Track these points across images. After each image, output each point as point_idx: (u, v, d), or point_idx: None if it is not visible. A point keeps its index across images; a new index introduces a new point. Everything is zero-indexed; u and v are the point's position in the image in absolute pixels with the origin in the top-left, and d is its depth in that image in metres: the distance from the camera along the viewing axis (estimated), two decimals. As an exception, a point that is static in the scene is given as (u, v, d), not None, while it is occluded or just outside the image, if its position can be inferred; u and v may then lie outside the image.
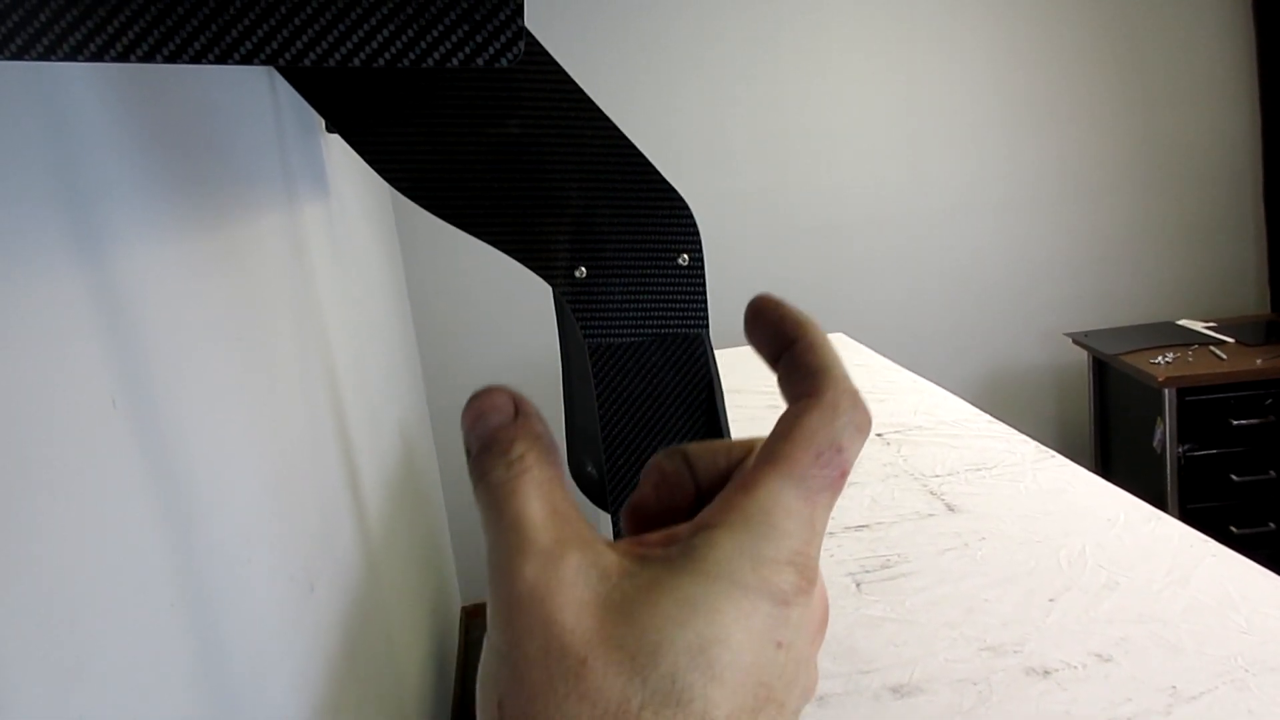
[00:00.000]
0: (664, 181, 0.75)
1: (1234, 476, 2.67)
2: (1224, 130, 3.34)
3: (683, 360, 0.79)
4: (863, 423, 0.29)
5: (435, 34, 0.37)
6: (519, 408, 0.30)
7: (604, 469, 0.80)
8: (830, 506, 0.28)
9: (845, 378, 0.29)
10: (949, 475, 1.45)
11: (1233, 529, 2.65)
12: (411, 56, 0.37)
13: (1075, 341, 3.13)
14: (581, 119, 0.70)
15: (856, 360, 2.23)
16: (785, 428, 0.29)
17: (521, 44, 0.38)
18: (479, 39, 0.37)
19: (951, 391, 1.94)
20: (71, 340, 0.74)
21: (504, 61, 0.38)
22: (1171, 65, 3.28)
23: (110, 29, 0.36)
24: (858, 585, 1.14)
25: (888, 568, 1.18)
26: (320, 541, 1.44)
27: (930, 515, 1.31)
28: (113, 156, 0.87)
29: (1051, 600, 1.06)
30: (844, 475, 0.28)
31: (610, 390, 0.78)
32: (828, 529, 1.10)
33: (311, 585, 1.34)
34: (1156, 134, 3.33)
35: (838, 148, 3.24)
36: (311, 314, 1.61)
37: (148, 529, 0.83)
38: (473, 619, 3.31)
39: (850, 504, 1.39)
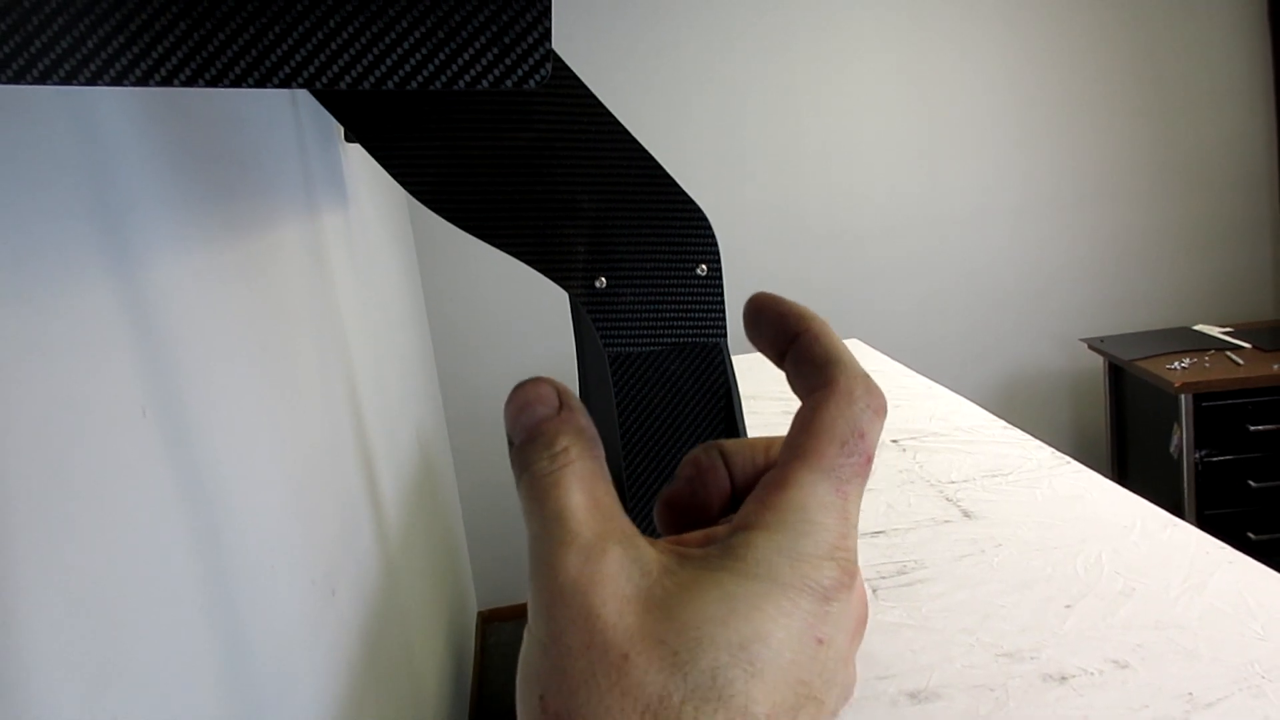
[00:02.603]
0: (682, 193, 0.76)
1: (1251, 482, 2.66)
2: (1239, 135, 3.34)
3: (701, 369, 0.80)
4: (879, 406, 0.29)
5: (465, 57, 0.38)
6: (563, 400, 0.30)
7: (622, 476, 0.81)
8: (860, 494, 0.29)
9: (854, 363, 0.30)
10: (965, 481, 1.45)
11: (1250, 535, 2.64)
12: (443, 79, 0.38)
13: (1091, 347, 3.13)
14: (600, 131, 0.72)
15: (871, 366, 2.23)
16: (805, 421, 0.29)
17: (549, 66, 0.39)
18: (508, 62, 0.39)
19: (967, 397, 1.94)
20: (104, 350, 0.76)
21: (532, 83, 0.39)
22: (1187, 71, 3.28)
23: (154, 55, 0.37)
24: (874, 591, 1.15)
25: (904, 574, 1.18)
26: (341, 546, 1.45)
27: (946, 521, 1.32)
28: (142, 168, 0.89)
29: (1068, 606, 1.06)
30: (869, 461, 0.29)
31: (630, 399, 0.80)
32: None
33: (333, 590, 1.35)
34: (1172, 139, 3.32)
35: (852, 154, 3.25)
36: (331, 322, 1.63)
37: (176, 535, 0.84)
38: (489, 624, 3.32)
39: (866, 510, 1.39)
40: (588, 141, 0.71)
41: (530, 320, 3.16)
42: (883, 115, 3.25)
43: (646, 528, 0.82)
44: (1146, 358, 2.84)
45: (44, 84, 0.38)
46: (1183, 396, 2.60)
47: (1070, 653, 0.97)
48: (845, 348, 0.30)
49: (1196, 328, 3.13)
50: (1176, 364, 2.74)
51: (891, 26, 3.19)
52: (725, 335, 0.76)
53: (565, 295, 0.75)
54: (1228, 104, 3.32)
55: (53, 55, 0.37)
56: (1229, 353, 2.80)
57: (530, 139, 0.70)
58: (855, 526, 0.29)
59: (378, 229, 2.41)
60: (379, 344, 2.11)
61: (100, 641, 0.67)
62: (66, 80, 0.38)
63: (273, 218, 1.36)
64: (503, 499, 3.29)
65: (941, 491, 1.42)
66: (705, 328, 0.78)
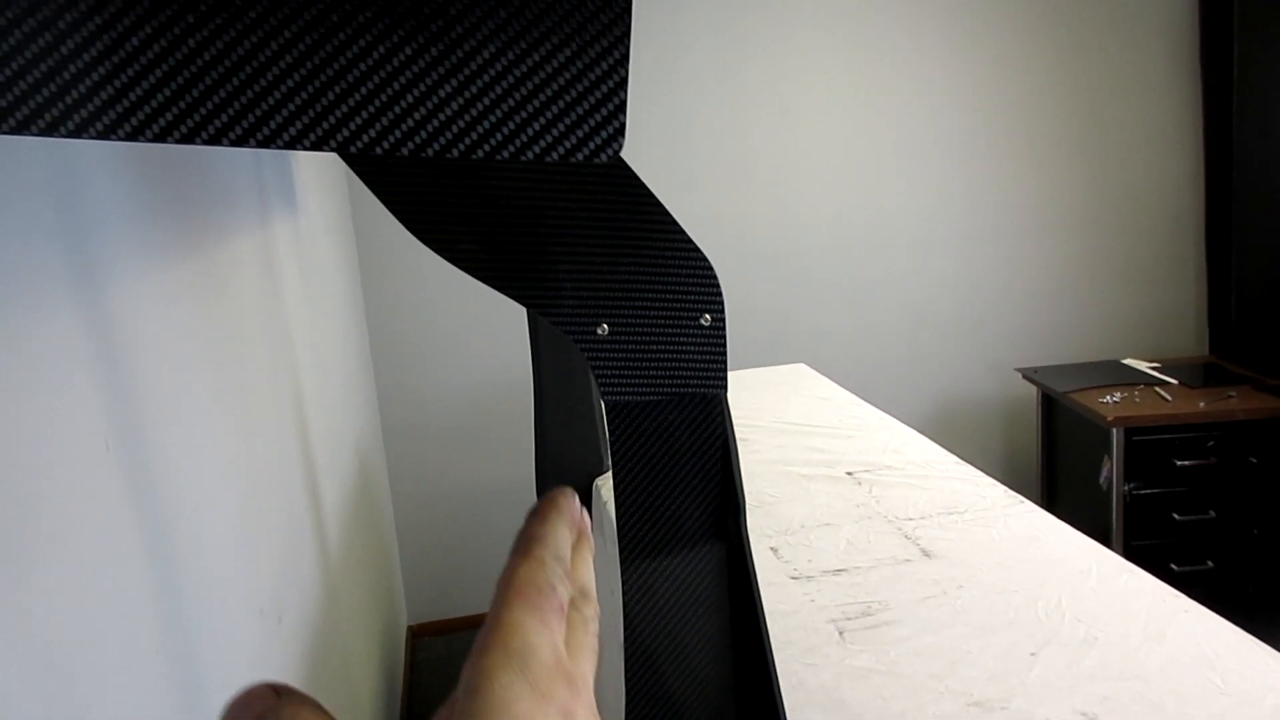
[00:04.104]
0: (689, 241, 0.75)
1: (1176, 515, 2.74)
2: (1169, 176, 3.45)
3: (700, 420, 0.79)
4: (563, 574, 0.35)
5: (536, 128, 0.36)
6: (279, 690, 0.32)
7: (618, 526, 0.79)
8: (562, 633, 0.33)
9: (553, 542, 0.37)
10: (921, 519, 1.46)
11: (1173, 566, 2.72)
12: (510, 150, 0.36)
13: (1026, 377, 3.20)
14: (607, 174, 0.70)
15: (821, 394, 2.25)
16: (506, 579, 0.34)
17: (622, 139, 0.37)
18: (580, 133, 0.36)
19: (902, 420, 1.96)
20: (68, 381, 0.71)
21: (603, 157, 0.37)
22: (1123, 112, 3.38)
23: (201, 112, 0.34)
24: (840, 633, 1.15)
25: (869, 615, 1.18)
26: (286, 571, 1.40)
27: (907, 560, 1.32)
28: (106, 177, 0.85)
29: (1033, 654, 1.07)
30: (563, 609, 0.34)
31: (626, 448, 0.78)
32: (806, 573, 1.09)
33: (279, 617, 1.30)
34: (1105, 177, 3.42)
35: (798, 178, 3.28)
36: (281, 337, 1.57)
37: (134, 573, 0.80)
38: (418, 638, 3.26)
39: (826, 545, 1.39)
40: (594, 184, 0.69)
41: (473, 331, 3.11)
42: (830, 141, 3.28)
43: (644, 581, 0.80)
44: (1079, 390, 2.92)
45: (79, 137, 0.35)
46: (1115, 430, 2.67)
47: (1039, 703, 0.98)
48: (555, 535, 0.37)
49: (1125, 361, 3.22)
50: (1109, 397, 2.81)
51: (841, 55, 3.23)
52: (725, 387, 0.75)
53: (509, 307, 0.73)
54: (1159, 145, 3.43)
55: (89, 109, 0.34)
56: (1157, 388, 2.89)
57: (535, 180, 0.67)
58: (570, 656, 0.33)
59: (324, 238, 2.34)
60: (324, 358, 2.05)
61: (65, 687, 0.63)
62: (47, 132, 0.35)
63: (229, 229, 1.31)
64: (437, 511, 3.23)
65: (900, 529, 1.43)
66: (706, 379, 0.76)
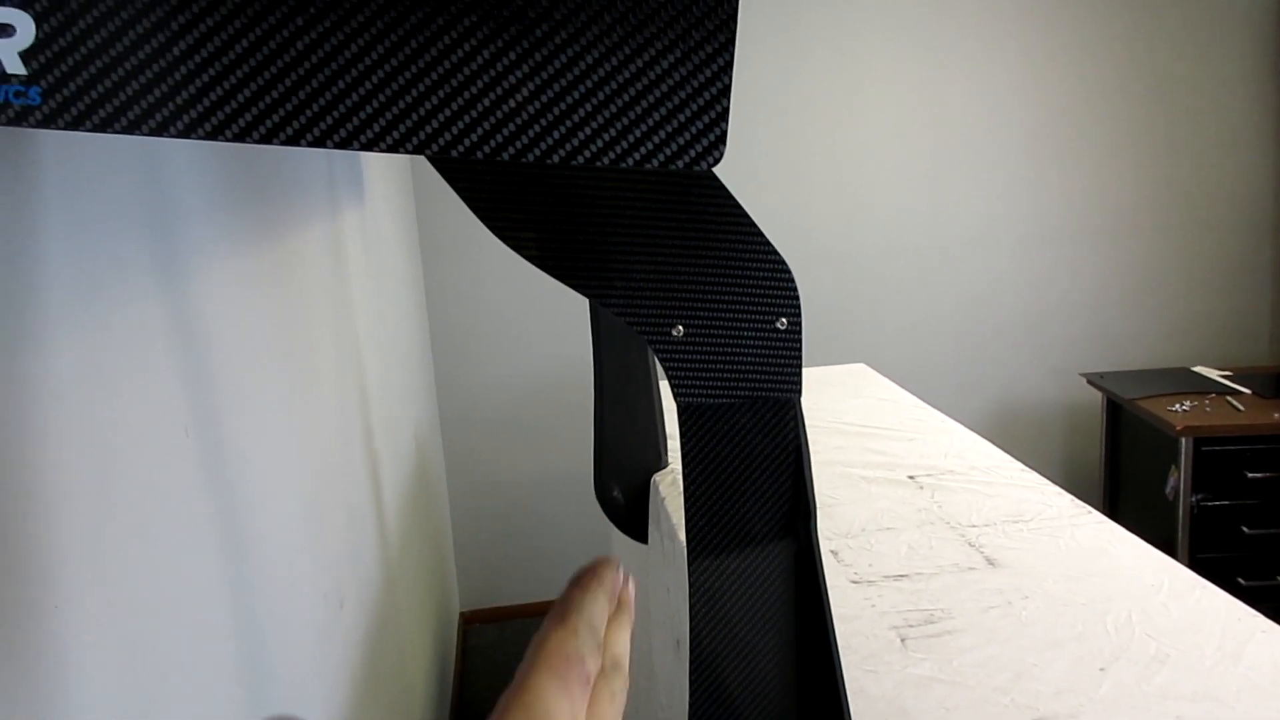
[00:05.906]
0: (768, 243, 0.74)
1: (1245, 528, 2.67)
2: (1246, 178, 3.35)
3: (773, 424, 0.78)
4: (596, 644, 0.37)
5: (637, 134, 0.36)
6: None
7: (686, 529, 0.78)
8: (585, 702, 0.35)
9: (590, 613, 0.38)
10: (986, 526, 1.43)
11: (1240, 580, 2.65)
12: (610, 156, 0.36)
13: (1091, 382, 3.13)
14: (690, 180, 0.69)
15: (881, 394, 2.22)
16: (540, 641, 0.36)
17: (723, 149, 0.36)
18: (682, 141, 0.36)
19: (961, 423, 1.93)
20: (155, 368, 0.73)
21: (704, 165, 0.37)
22: (1198, 113, 3.29)
23: (306, 116, 0.35)
24: (903, 640, 1.13)
25: (932, 623, 1.17)
26: (348, 557, 1.42)
27: (971, 568, 1.30)
28: (190, 171, 0.86)
29: (1102, 669, 1.04)
30: (589, 681, 0.36)
31: (697, 449, 0.77)
32: (867, 578, 1.08)
33: (341, 602, 1.32)
34: (1178, 179, 3.33)
35: (862, 175, 3.24)
36: (347, 326, 1.59)
37: (209, 558, 0.82)
38: (470, 625, 3.29)
39: (887, 549, 1.38)
40: (674, 186, 0.69)
41: (532, 322, 3.13)
42: (894, 138, 3.24)
43: (710, 582, 0.79)
44: (1147, 397, 2.85)
45: (187, 137, 0.35)
46: (1183, 440, 2.61)
47: (1109, 721, 0.96)
48: (592, 605, 0.39)
49: (1195, 369, 3.14)
50: (1178, 406, 2.74)
51: (907, 52, 3.18)
52: (800, 391, 0.74)
53: (568, 299, 0.72)
54: (1235, 149, 3.33)
55: (198, 110, 0.34)
56: (1229, 398, 2.81)
57: (615, 181, 0.67)
58: None
59: (388, 226, 2.37)
60: (386, 346, 2.07)
61: (147, 671, 0.65)
62: (157, 132, 0.35)
63: (300, 219, 1.33)
64: (492, 500, 3.26)
65: (963, 535, 1.41)
66: (780, 383, 0.75)
